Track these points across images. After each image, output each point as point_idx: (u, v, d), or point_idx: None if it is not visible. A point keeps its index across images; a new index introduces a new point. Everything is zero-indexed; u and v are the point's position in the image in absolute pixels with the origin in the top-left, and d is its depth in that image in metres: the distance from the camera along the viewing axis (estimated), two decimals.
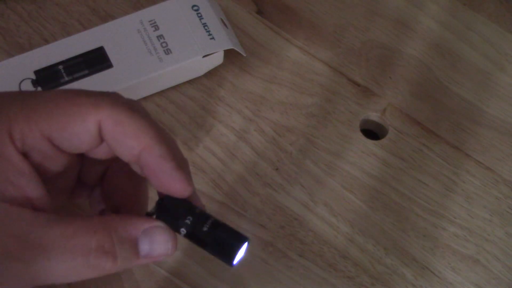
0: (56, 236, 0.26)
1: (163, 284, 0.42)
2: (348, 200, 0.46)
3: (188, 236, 0.29)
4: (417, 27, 0.54)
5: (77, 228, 0.27)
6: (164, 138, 0.29)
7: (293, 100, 0.49)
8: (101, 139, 0.28)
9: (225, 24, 0.49)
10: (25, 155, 0.27)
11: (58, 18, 0.50)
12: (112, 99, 0.28)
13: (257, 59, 0.51)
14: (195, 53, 0.47)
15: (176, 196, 0.29)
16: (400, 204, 0.46)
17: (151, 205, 0.30)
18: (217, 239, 0.29)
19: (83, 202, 0.35)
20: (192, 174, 0.33)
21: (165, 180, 0.29)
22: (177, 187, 0.29)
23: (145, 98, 0.48)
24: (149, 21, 0.47)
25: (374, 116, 0.50)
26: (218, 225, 0.29)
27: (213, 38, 0.47)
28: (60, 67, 0.45)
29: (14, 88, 0.44)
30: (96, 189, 0.34)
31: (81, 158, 0.31)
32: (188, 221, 0.29)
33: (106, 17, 0.50)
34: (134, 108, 0.29)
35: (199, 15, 0.48)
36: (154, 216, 0.29)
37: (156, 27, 0.47)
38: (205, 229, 0.29)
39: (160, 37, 0.47)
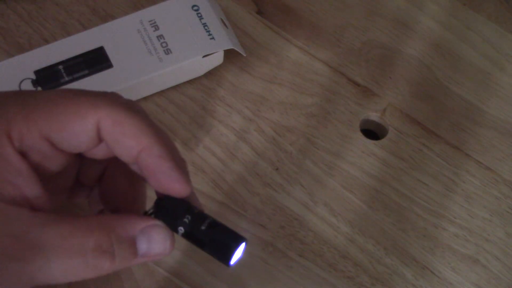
0: (54, 236, 0.26)
1: (163, 284, 0.42)
2: (348, 200, 0.46)
3: (186, 235, 0.29)
4: (417, 27, 0.54)
5: (75, 228, 0.27)
6: (163, 138, 0.29)
7: (293, 100, 0.49)
8: (100, 139, 0.28)
9: (225, 24, 0.49)
10: (23, 155, 0.27)
11: (58, 18, 0.50)
12: (111, 99, 0.28)
13: (257, 59, 0.51)
14: (195, 53, 0.47)
15: (174, 196, 0.29)
16: (400, 204, 0.46)
17: (149, 205, 0.30)
18: (214, 239, 0.29)
19: (82, 202, 0.35)
20: (192, 174, 0.33)
21: (164, 180, 0.29)
22: (175, 187, 0.29)
23: (145, 98, 0.48)
24: (149, 21, 0.47)
25: (374, 116, 0.50)
26: (216, 225, 0.29)
27: (213, 38, 0.47)
28: (60, 67, 0.45)
29: (14, 88, 0.44)
30: (95, 189, 0.34)
31: (80, 158, 0.31)
32: (186, 221, 0.29)
33: (106, 17, 0.50)
34: (133, 108, 0.29)
35: (199, 15, 0.48)
36: (152, 216, 0.29)
37: (156, 27, 0.47)
38: (203, 228, 0.29)
39: (160, 37, 0.47)
